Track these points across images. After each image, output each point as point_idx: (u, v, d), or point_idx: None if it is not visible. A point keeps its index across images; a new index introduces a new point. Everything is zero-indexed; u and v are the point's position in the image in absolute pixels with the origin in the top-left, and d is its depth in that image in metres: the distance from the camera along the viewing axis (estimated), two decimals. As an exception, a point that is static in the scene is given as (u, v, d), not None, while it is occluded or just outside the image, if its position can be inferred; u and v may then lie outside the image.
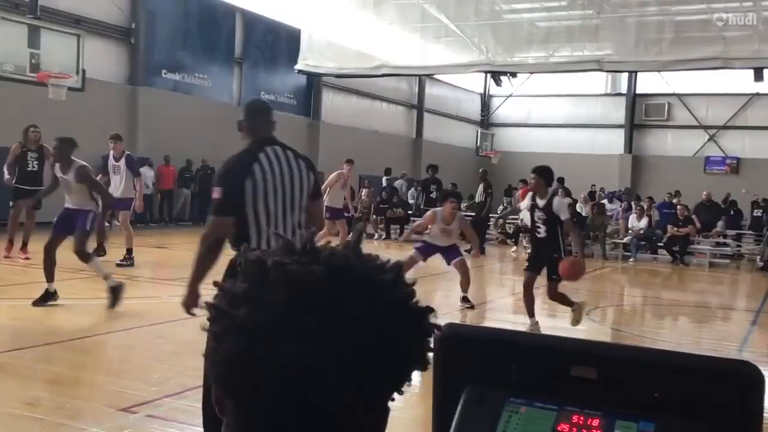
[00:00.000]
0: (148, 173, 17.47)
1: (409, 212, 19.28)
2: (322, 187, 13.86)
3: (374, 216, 18.65)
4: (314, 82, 23.54)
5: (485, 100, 33.22)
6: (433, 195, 16.89)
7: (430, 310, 0.76)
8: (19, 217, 10.26)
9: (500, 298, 10.93)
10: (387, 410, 0.76)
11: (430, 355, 0.77)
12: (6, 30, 10.55)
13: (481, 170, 17.04)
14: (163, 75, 18.99)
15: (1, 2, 13.57)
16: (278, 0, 21.20)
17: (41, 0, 11.44)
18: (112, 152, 10.38)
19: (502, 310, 9.66)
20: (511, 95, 29.64)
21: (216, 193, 3.39)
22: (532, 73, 21.49)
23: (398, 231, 18.15)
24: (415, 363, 0.75)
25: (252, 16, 21.48)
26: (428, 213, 9.10)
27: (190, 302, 3.36)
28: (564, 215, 6.92)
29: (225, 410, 0.75)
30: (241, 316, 0.70)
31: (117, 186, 10.23)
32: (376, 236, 18.02)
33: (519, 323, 7.37)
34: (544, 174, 7.03)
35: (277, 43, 22.28)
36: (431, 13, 18.63)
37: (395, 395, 0.75)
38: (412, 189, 21.20)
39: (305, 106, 24.13)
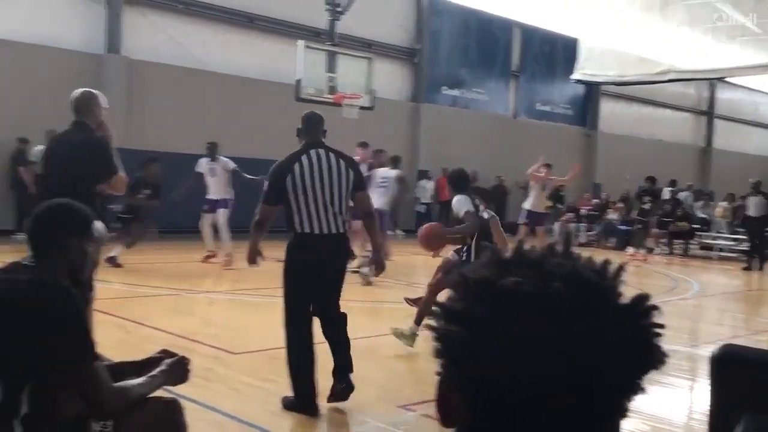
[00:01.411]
0: (427, 185, 18.37)
1: (694, 226, 17.93)
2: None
3: (656, 229, 17.65)
4: (592, 91, 22.92)
5: (789, 103, 29.72)
6: (647, 206, 15.78)
7: (655, 308, 0.73)
8: None
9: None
10: (624, 414, 0.74)
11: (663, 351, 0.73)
12: (308, 57, 11.72)
13: (754, 181, 15.26)
14: (443, 92, 19.85)
15: (305, 32, 15.22)
16: (556, 11, 21.00)
17: (338, 28, 12.53)
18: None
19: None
20: (822, 96, 26.17)
21: (265, 186, 4.44)
22: None
23: (684, 246, 16.99)
24: (652, 363, 0.72)
25: (529, 28, 21.56)
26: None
27: (252, 258, 4.58)
28: (462, 212, 5.83)
29: (452, 418, 0.75)
30: (478, 338, 0.70)
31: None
32: (657, 251, 16.98)
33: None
34: (451, 179, 6.21)
35: (554, 53, 22.09)
36: (725, 11, 17.14)
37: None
38: (700, 202, 19.71)
39: (581, 116, 23.59)
